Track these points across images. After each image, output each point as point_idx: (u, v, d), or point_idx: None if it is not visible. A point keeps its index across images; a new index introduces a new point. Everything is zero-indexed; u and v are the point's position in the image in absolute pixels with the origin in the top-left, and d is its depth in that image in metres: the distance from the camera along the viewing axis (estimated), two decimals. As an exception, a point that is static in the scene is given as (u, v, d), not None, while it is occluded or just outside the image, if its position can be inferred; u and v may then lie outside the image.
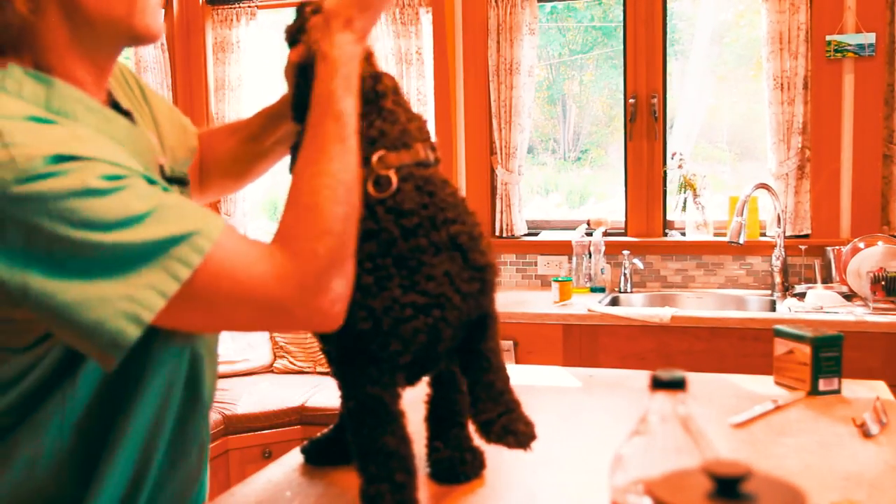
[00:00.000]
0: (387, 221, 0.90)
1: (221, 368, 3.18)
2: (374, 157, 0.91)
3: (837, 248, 2.89)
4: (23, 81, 0.83)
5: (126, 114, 0.96)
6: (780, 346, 1.50)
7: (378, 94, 0.95)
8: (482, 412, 0.94)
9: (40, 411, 0.85)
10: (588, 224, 3.34)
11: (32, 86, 0.83)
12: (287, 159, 1.04)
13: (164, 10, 0.92)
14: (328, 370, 1.19)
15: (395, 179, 0.91)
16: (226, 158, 1.20)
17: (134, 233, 0.76)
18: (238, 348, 3.44)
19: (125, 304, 0.75)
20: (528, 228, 3.44)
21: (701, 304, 3.07)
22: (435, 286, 0.90)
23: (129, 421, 0.88)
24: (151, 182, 0.81)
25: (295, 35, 1.02)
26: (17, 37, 0.83)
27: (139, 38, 0.90)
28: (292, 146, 0.96)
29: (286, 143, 1.16)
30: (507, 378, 0.98)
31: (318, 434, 1.22)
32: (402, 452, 0.92)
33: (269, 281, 0.80)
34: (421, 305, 0.89)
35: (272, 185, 3.92)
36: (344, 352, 0.93)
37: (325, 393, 3.12)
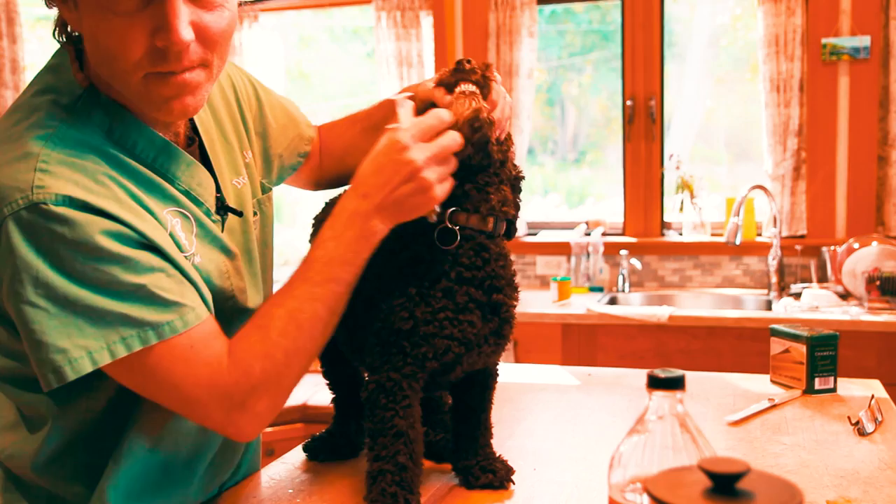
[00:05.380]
0: (442, 261, 0.97)
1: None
2: (448, 212, 0.97)
3: (833, 248, 2.91)
4: (94, 107, 0.87)
5: (196, 136, 0.99)
6: (777, 346, 1.51)
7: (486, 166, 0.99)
8: (462, 460, 1.07)
9: (71, 401, 0.91)
10: (587, 224, 3.36)
11: (101, 113, 0.87)
12: None
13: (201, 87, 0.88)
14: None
15: (458, 236, 0.97)
16: (343, 150, 1.22)
17: (100, 299, 0.80)
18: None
19: (56, 355, 0.79)
20: (528, 229, 3.45)
21: (698, 303, 3.08)
22: (471, 333, 0.97)
23: (153, 411, 0.94)
24: (160, 260, 0.84)
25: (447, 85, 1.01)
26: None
27: (148, 111, 0.90)
28: (315, 217, 1.03)
29: None
30: (490, 433, 1.09)
31: (319, 431, 1.24)
32: (411, 436, 0.97)
33: (201, 384, 0.86)
34: (455, 337, 0.96)
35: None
36: (380, 342, 0.98)
37: (326, 392, 3.12)
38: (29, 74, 2.83)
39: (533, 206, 3.58)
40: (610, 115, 3.54)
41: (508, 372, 1.58)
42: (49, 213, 0.78)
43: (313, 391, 3.16)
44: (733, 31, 3.44)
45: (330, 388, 1.23)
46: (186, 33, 0.81)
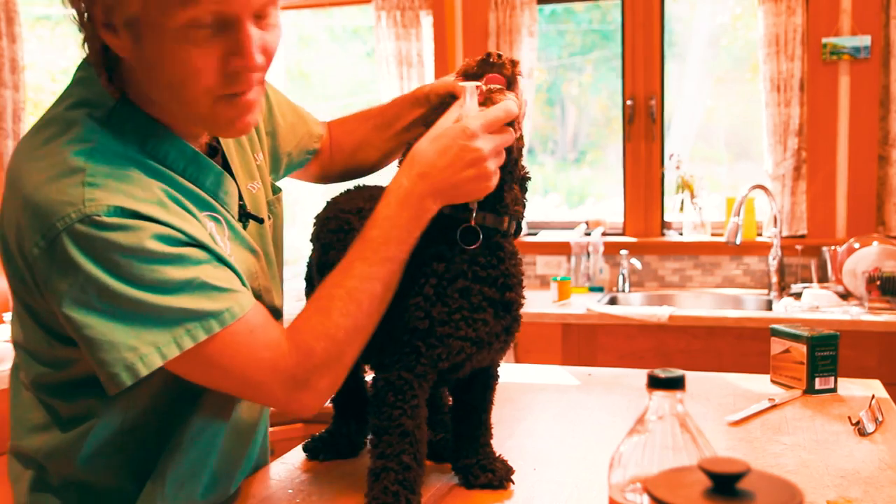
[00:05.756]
0: (461, 260, 0.97)
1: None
2: (475, 212, 0.97)
3: (833, 248, 2.90)
4: (127, 120, 0.90)
5: (218, 147, 1.03)
6: (777, 346, 1.51)
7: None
8: (462, 459, 1.08)
9: (106, 411, 0.95)
10: (587, 224, 3.36)
11: (135, 125, 0.90)
12: None
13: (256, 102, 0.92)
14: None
15: (480, 236, 0.98)
16: (354, 146, 1.26)
17: (160, 298, 0.84)
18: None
19: (128, 353, 0.83)
20: (528, 228, 3.45)
21: (698, 303, 3.08)
22: (483, 332, 0.98)
23: (185, 424, 0.98)
24: (206, 254, 0.88)
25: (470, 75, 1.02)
26: (125, 73, 0.90)
27: (210, 132, 0.97)
28: (316, 217, 1.04)
29: (413, 133, 1.16)
30: (490, 432, 1.09)
31: (318, 431, 1.24)
32: (417, 436, 0.97)
33: (264, 367, 0.89)
34: (469, 337, 0.97)
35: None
36: (392, 340, 0.98)
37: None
38: (28, 74, 2.82)
39: (533, 206, 3.58)
40: (610, 114, 3.54)
41: (508, 372, 1.58)
42: (102, 224, 0.82)
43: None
44: (733, 31, 3.44)
45: None
46: (259, 57, 0.86)
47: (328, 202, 1.16)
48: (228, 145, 1.06)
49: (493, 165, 0.94)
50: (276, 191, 1.16)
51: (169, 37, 0.82)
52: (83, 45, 0.90)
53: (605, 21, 3.52)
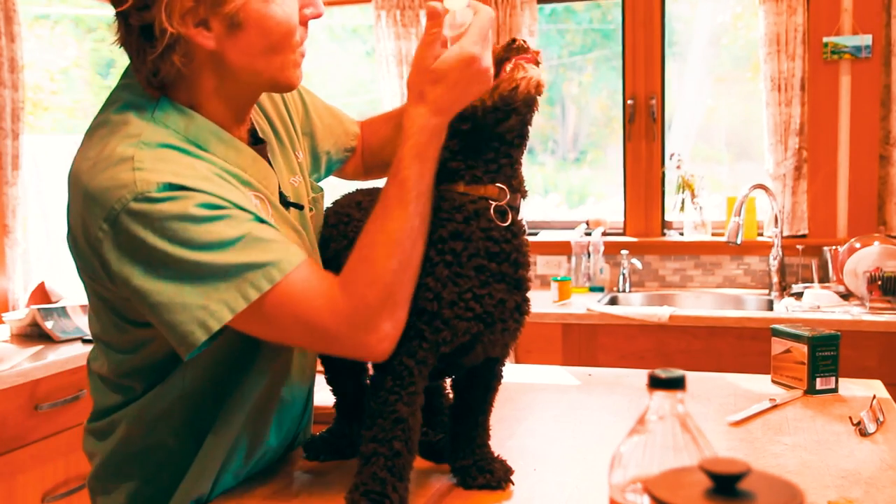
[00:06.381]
0: (477, 237, 0.97)
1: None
2: (497, 187, 0.99)
3: (834, 248, 2.90)
4: (169, 113, 0.99)
5: (261, 141, 1.11)
6: (778, 346, 1.51)
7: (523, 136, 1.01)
8: (459, 459, 1.08)
9: (166, 382, 1.05)
10: (587, 224, 3.36)
11: (176, 117, 0.99)
12: None
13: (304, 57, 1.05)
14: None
15: (510, 215, 1.00)
16: (380, 144, 1.32)
17: (219, 255, 0.91)
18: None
19: (199, 312, 0.91)
20: (528, 228, 3.44)
21: (699, 303, 3.08)
22: (490, 306, 0.98)
23: (236, 394, 1.06)
24: (250, 214, 0.95)
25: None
26: (173, 81, 1.00)
27: (278, 88, 1.05)
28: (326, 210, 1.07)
29: None
30: (487, 433, 1.10)
31: (319, 432, 1.24)
32: (411, 423, 0.97)
33: (324, 314, 0.94)
34: (478, 315, 0.97)
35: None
36: None
37: (325, 392, 3.12)
38: (27, 73, 2.82)
39: (533, 206, 3.58)
40: (610, 114, 3.53)
41: (508, 372, 1.57)
42: (154, 199, 0.90)
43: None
44: (734, 30, 3.44)
45: (333, 392, 1.23)
46: (322, 6, 1.04)
47: (327, 207, 1.19)
48: (270, 141, 1.13)
49: (490, 62, 0.97)
50: (318, 190, 1.22)
51: (265, 4, 0.96)
52: (137, 54, 0.98)
53: (605, 20, 3.52)
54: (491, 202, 0.98)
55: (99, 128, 0.99)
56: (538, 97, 0.98)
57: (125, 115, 0.98)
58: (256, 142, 1.11)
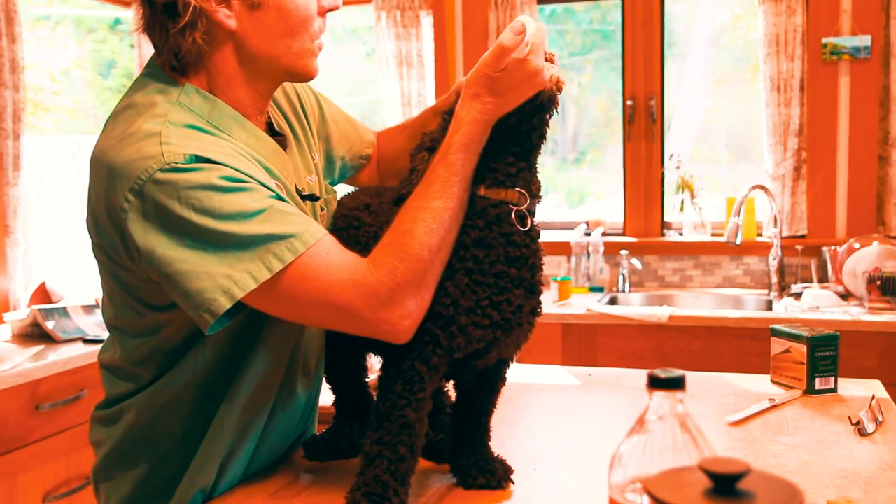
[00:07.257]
0: (499, 243, 0.98)
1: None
2: (517, 191, 1.00)
3: (833, 248, 2.91)
4: (194, 98, 1.02)
5: (279, 135, 1.13)
6: (777, 346, 1.51)
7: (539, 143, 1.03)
8: (460, 459, 1.08)
9: (176, 368, 1.05)
10: (587, 224, 3.36)
11: (200, 102, 1.02)
12: None
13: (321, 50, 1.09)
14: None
15: (529, 220, 1.01)
16: (394, 154, 1.34)
17: (243, 225, 0.92)
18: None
19: (224, 280, 0.91)
20: (527, 229, 3.44)
21: (698, 303, 3.08)
22: (509, 312, 0.99)
23: (241, 382, 1.06)
24: (271, 192, 0.96)
25: None
26: (195, 61, 1.02)
27: (296, 76, 1.08)
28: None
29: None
30: (488, 434, 1.10)
31: (319, 432, 1.24)
32: (417, 429, 0.97)
33: (346, 286, 0.94)
34: (495, 322, 0.98)
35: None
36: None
37: (325, 393, 3.12)
38: (28, 74, 2.82)
39: (533, 206, 3.58)
40: (610, 114, 3.54)
41: (509, 372, 1.58)
42: (180, 168, 0.92)
43: (313, 391, 3.15)
44: (734, 31, 3.44)
45: (332, 391, 1.23)
46: None
47: (338, 201, 1.19)
48: (288, 137, 1.15)
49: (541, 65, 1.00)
50: (331, 191, 1.23)
51: None
52: (160, 34, 1.01)
53: (605, 21, 3.52)
54: (512, 206, 0.99)
55: (124, 110, 1.01)
56: (559, 94, 1.01)
57: (151, 97, 1.00)
58: (274, 135, 1.12)
